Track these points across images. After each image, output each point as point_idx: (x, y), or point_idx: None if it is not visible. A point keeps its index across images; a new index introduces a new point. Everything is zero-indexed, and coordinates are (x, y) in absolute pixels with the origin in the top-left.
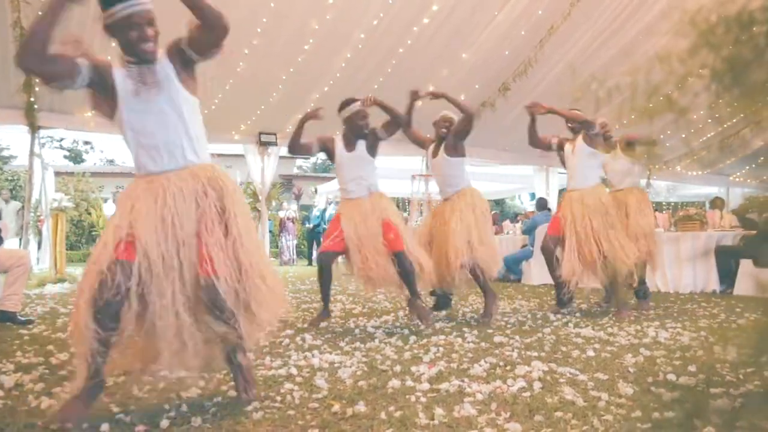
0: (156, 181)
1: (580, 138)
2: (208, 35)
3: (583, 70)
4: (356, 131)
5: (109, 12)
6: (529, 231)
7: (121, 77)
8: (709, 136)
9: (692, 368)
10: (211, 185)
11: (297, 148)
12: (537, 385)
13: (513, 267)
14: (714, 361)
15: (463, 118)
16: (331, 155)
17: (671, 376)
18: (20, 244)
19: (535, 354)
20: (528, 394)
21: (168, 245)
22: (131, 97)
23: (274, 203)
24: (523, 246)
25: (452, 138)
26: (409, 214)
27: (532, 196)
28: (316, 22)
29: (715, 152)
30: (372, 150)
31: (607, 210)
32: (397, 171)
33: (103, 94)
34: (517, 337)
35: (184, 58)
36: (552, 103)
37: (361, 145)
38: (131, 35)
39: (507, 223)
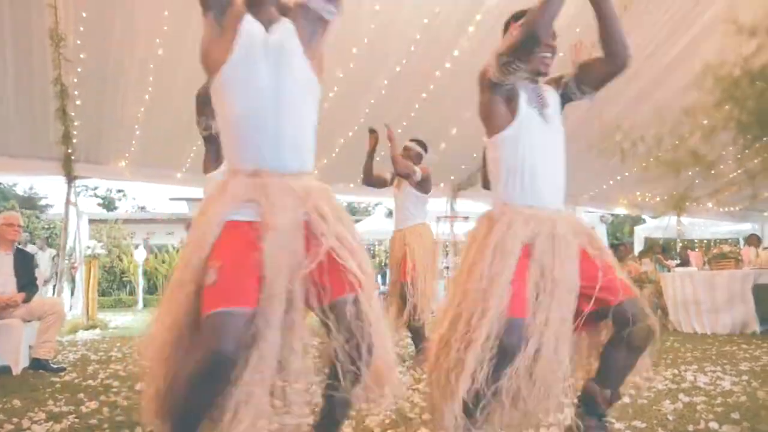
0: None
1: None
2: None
3: (607, 110)
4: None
5: None
6: None
7: None
8: (737, 173)
9: (735, 415)
10: None
11: (372, 181)
12: None
13: None
14: (759, 408)
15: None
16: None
17: (713, 425)
18: (53, 292)
19: (567, 400)
20: None
21: None
22: None
23: None
24: None
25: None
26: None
27: None
28: (341, 70)
29: (744, 194)
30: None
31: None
32: None
33: None
34: None
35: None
36: (576, 146)
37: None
38: None
39: None
